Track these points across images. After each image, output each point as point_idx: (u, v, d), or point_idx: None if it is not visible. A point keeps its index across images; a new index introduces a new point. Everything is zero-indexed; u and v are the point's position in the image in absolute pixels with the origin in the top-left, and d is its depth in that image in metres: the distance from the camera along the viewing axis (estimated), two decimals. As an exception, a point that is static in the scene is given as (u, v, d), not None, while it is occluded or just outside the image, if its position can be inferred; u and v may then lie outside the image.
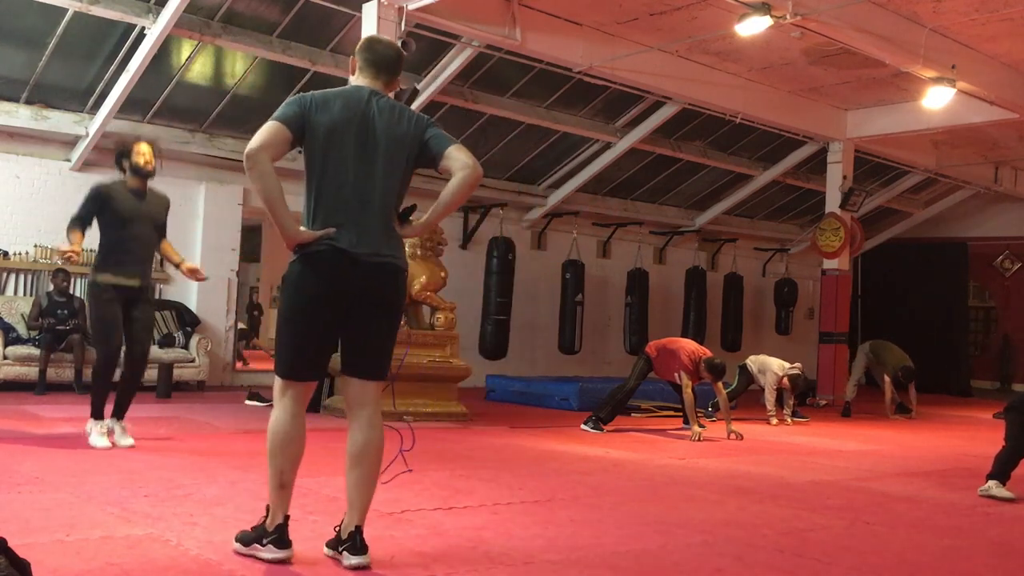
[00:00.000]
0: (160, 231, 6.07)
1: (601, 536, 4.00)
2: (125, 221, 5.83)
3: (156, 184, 6.08)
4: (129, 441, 5.84)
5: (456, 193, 3.27)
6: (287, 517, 3.28)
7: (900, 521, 4.72)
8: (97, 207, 5.83)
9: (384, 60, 3.40)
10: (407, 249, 9.77)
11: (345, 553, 3.26)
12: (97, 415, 5.86)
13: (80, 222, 5.85)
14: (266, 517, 3.31)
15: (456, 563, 3.43)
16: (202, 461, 5.43)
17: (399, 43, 8.33)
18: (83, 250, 5.87)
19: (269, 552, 3.25)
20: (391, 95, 3.42)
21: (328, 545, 3.38)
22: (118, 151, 6.04)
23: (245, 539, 3.34)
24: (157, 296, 10.53)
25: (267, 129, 3.14)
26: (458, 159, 3.28)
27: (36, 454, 5.35)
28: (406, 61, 9.54)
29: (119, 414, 5.93)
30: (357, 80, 3.40)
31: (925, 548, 4.16)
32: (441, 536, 3.82)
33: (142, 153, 5.92)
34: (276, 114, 3.21)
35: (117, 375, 6.00)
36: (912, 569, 3.76)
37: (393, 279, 3.31)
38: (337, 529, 3.34)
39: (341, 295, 3.21)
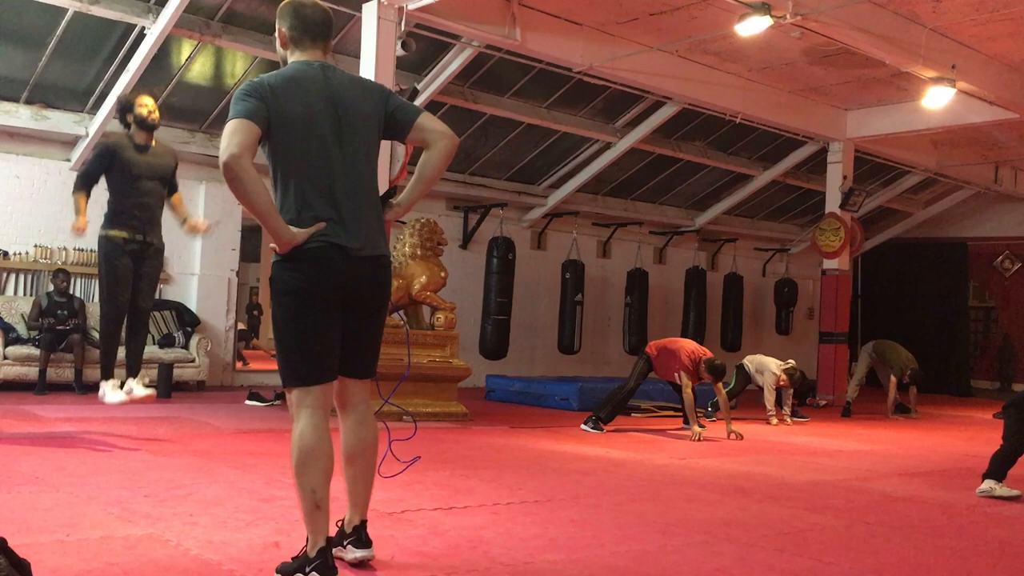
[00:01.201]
0: (169, 185, 6.06)
1: (601, 536, 4.00)
2: (134, 175, 5.82)
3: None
4: (146, 391, 5.87)
5: (437, 165, 3.14)
6: (330, 540, 3.01)
7: (900, 521, 4.72)
8: (106, 162, 5.81)
9: (318, 25, 3.13)
10: (407, 248, 9.77)
11: (349, 547, 3.22)
12: (107, 375, 5.89)
13: (87, 179, 5.85)
14: (306, 544, 3.03)
15: (456, 563, 3.43)
16: (202, 461, 5.43)
17: (398, 43, 8.36)
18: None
19: None
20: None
21: (331, 542, 3.32)
22: (120, 106, 6.04)
23: (286, 570, 3.03)
24: (157, 296, 10.53)
25: (238, 130, 2.85)
26: (433, 129, 3.13)
27: (36, 454, 5.35)
28: (406, 61, 9.59)
29: (133, 372, 5.96)
30: (294, 55, 3.13)
31: (925, 548, 4.16)
32: (441, 536, 3.82)
33: (145, 105, 5.91)
34: (238, 110, 2.89)
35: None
36: (912, 569, 3.76)
37: (383, 274, 3.18)
38: (340, 525, 3.29)
39: (339, 291, 3.03)
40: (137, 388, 5.92)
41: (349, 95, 3.08)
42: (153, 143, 6.04)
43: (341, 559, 3.24)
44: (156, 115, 5.97)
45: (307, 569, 2.97)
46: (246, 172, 2.82)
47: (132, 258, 5.85)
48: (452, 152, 3.16)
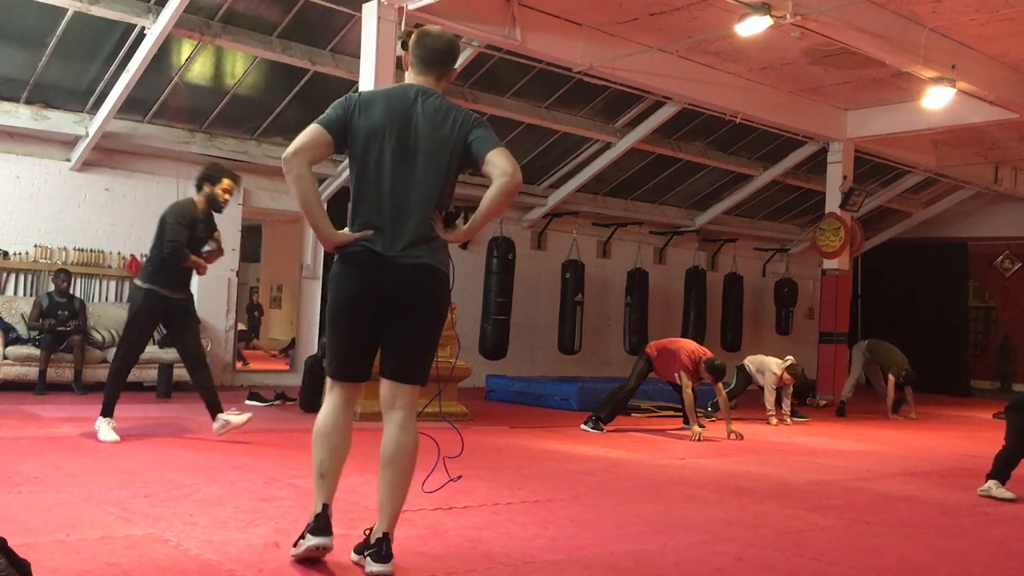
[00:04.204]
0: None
1: (601, 536, 4.00)
2: (194, 246, 6.17)
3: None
4: (242, 417, 6.24)
5: (493, 202, 3.18)
6: (326, 506, 3.23)
7: (900, 521, 4.72)
8: (188, 232, 6.11)
9: (431, 55, 3.35)
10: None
11: (368, 559, 3.16)
12: (106, 412, 6.06)
13: (185, 245, 6.12)
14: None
15: (456, 563, 3.43)
16: (202, 461, 5.43)
17: (398, 43, 8.35)
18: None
19: (307, 540, 3.21)
20: (442, 90, 3.37)
21: (355, 550, 3.31)
22: (205, 174, 6.29)
23: (295, 543, 3.30)
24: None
25: (306, 132, 3.17)
26: (497, 166, 3.19)
27: (36, 454, 5.35)
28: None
29: (217, 408, 6.27)
30: (409, 76, 3.37)
31: (925, 548, 4.16)
32: (441, 536, 3.83)
33: (228, 190, 6.21)
34: (320, 117, 3.22)
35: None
36: (912, 569, 3.76)
37: (427, 281, 3.23)
38: (367, 533, 3.28)
39: (375, 296, 3.20)
40: (232, 417, 6.23)
41: (429, 119, 3.24)
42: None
43: (361, 569, 3.21)
44: (227, 203, 6.32)
45: (304, 532, 3.24)
46: (296, 168, 3.13)
47: (170, 313, 6.20)
48: (511, 189, 3.18)
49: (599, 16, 9.50)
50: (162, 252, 6.09)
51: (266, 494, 4.49)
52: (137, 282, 6.19)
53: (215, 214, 6.41)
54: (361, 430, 3.56)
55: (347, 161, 9.24)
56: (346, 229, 3.24)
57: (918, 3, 8.86)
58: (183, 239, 6.07)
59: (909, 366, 10.94)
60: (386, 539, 3.17)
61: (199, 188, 6.27)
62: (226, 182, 6.17)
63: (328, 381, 3.34)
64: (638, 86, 10.72)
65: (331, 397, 3.32)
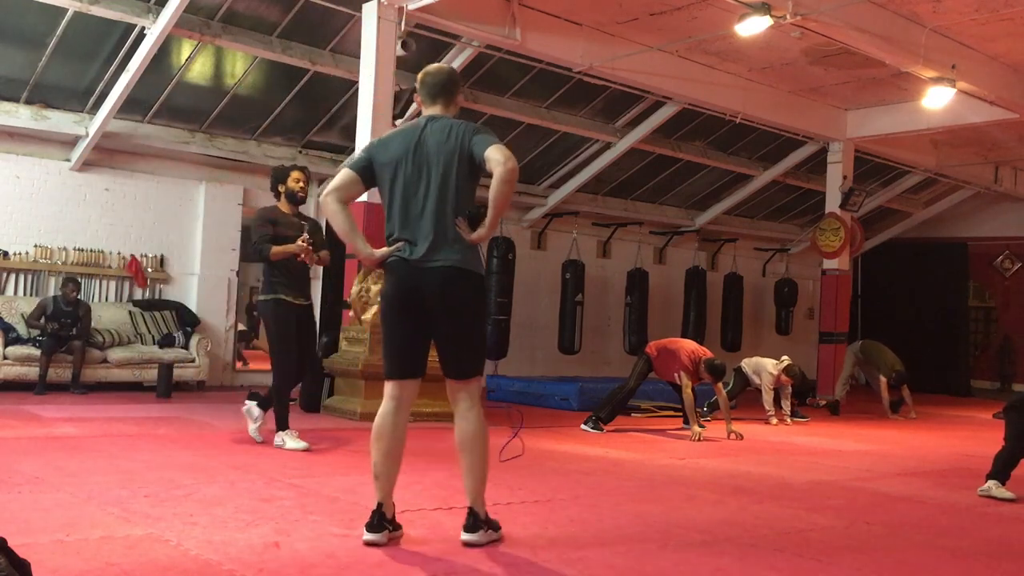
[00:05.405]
0: (318, 246, 6.27)
1: (601, 536, 4.00)
2: (280, 244, 6.13)
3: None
4: (300, 445, 6.11)
5: (495, 192, 3.49)
6: (380, 504, 3.59)
7: (900, 521, 4.72)
8: (272, 228, 6.13)
9: (432, 88, 3.77)
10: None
11: (462, 530, 3.64)
12: (283, 426, 6.14)
13: (271, 240, 6.12)
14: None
15: (456, 563, 3.43)
16: (202, 461, 5.43)
17: (398, 43, 8.37)
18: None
19: (364, 535, 3.56)
20: (452, 114, 3.73)
21: (366, 527, 3.59)
22: (275, 177, 6.39)
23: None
24: (157, 296, 10.54)
25: (339, 175, 3.70)
26: (492, 159, 3.49)
27: (36, 454, 5.35)
28: (406, 61, 9.57)
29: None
30: (423, 112, 3.79)
31: (925, 548, 4.16)
32: (441, 536, 3.83)
33: (298, 180, 6.29)
34: (348, 162, 3.76)
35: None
36: (912, 569, 3.76)
37: (450, 283, 3.56)
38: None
39: (411, 299, 3.60)
40: (294, 442, 6.11)
41: (436, 136, 3.64)
42: (300, 215, 6.41)
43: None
44: (306, 190, 6.36)
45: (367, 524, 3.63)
46: (331, 205, 3.65)
47: (296, 319, 6.22)
48: (508, 177, 3.47)
49: (599, 16, 9.50)
50: (271, 264, 6.17)
51: (266, 494, 4.49)
52: (261, 297, 6.27)
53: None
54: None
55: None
56: (386, 247, 3.64)
57: (918, 3, 8.86)
58: (266, 235, 6.09)
59: (901, 367, 10.93)
60: (472, 512, 3.63)
61: (276, 193, 6.37)
62: (294, 174, 6.31)
63: (385, 382, 3.71)
64: (638, 86, 10.72)
65: (385, 398, 3.68)
